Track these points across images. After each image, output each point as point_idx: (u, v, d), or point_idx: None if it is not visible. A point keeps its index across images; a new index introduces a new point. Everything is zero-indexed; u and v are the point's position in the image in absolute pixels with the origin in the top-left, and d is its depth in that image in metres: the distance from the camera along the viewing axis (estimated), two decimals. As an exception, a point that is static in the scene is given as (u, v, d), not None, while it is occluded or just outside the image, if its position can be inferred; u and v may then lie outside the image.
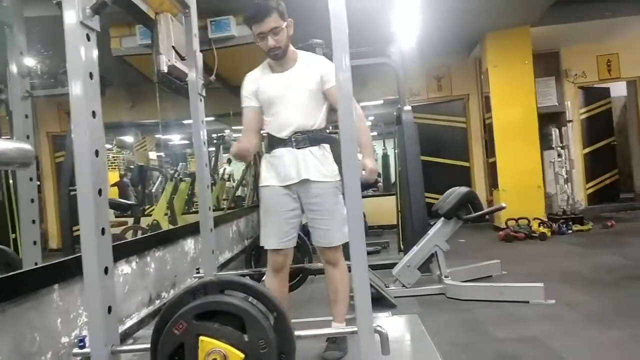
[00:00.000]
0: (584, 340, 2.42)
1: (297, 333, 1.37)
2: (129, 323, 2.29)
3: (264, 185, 2.11)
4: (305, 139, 2.02)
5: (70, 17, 1.23)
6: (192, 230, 3.37)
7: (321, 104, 2.07)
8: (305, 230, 5.81)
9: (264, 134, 2.18)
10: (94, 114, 1.28)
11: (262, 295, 1.34)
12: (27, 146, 1.06)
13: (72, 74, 1.24)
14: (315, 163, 2.02)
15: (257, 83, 2.09)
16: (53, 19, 1.39)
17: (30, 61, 2.25)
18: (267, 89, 2.06)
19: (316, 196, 2.03)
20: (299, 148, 2.02)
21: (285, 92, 2.03)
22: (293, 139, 2.02)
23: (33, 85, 2.25)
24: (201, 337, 1.24)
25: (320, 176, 2.02)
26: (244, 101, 2.13)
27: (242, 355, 1.23)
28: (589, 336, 2.47)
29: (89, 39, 1.27)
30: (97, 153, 1.28)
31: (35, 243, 2.16)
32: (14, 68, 2.11)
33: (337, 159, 1.98)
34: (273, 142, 2.06)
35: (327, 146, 2.09)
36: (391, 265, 3.66)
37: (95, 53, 1.30)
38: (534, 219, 5.72)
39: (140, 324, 2.36)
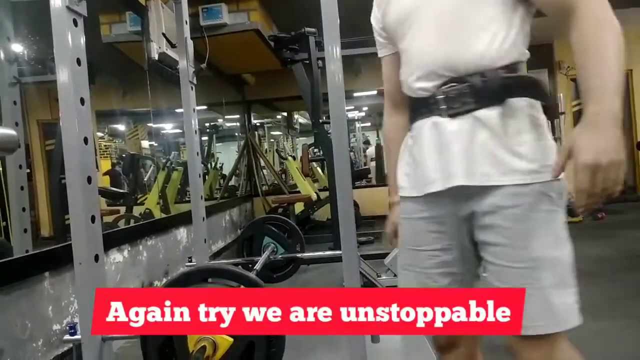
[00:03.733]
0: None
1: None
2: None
3: (401, 195, 1.13)
4: (468, 92, 0.95)
5: (57, 1, 1.21)
6: (185, 219, 3.37)
7: (509, 7, 0.95)
8: (300, 219, 5.77)
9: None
10: (82, 100, 1.27)
11: (238, 275, 1.36)
12: (11, 132, 1.05)
13: (59, 60, 1.22)
14: (492, 146, 0.94)
15: (383, 3, 1.12)
16: (40, 4, 1.37)
17: (17, 47, 2.22)
18: (398, 4, 1.06)
19: (494, 213, 0.95)
20: (452, 116, 0.96)
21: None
22: (440, 98, 0.98)
23: (21, 72, 2.22)
24: None
25: (498, 173, 0.94)
26: (378, 48, 1.20)
27: (231, 340, 1.23)
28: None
29: (76, 24, 1.25)
30: (85, 140, 1.27)
31: (25, 231, 2.16)
32: (0, 54, 2.08)
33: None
34: (412, 109, 1.09)
35: (532, 105, 1.01)
36: (383, 255, 3.68)
37: (82, 39, 1.28)
38: (526, 209, 5.76)
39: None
